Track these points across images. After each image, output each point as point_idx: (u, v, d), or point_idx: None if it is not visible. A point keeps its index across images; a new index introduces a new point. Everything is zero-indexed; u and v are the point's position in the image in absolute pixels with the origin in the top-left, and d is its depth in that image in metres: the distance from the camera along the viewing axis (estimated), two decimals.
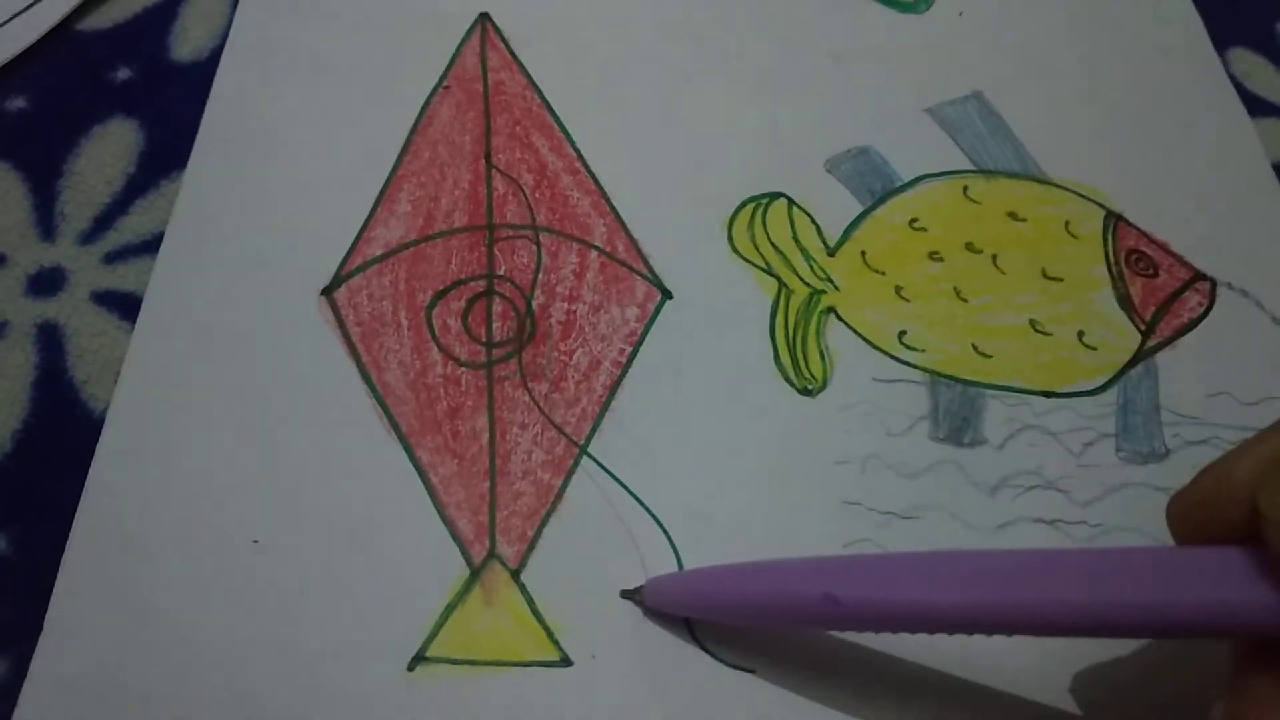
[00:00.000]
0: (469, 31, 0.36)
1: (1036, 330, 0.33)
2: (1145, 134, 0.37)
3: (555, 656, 0.25)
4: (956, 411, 0.31)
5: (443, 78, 0.35)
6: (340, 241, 0.31)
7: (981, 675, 0.27)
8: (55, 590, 0.26)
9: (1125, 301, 0.33)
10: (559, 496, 0.28)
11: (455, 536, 0.27)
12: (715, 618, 0.25)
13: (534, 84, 0.35)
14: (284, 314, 0.30)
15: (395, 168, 0.33)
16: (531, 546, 0.27)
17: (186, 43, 0.35)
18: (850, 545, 0.28)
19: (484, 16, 0.37)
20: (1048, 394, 0.31)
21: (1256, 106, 0.39)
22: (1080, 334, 0.33)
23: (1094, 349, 0.32)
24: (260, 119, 0.34)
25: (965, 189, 0.35)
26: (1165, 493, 0.30)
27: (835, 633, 0.26)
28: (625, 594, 0.26)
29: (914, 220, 0.34)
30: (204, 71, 0.34)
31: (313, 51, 0.35)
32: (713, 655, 0.26)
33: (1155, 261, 0.34)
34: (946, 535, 0.29)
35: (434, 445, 0.28)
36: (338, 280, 0.30)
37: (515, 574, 0.26)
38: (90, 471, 0.27)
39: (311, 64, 0.35)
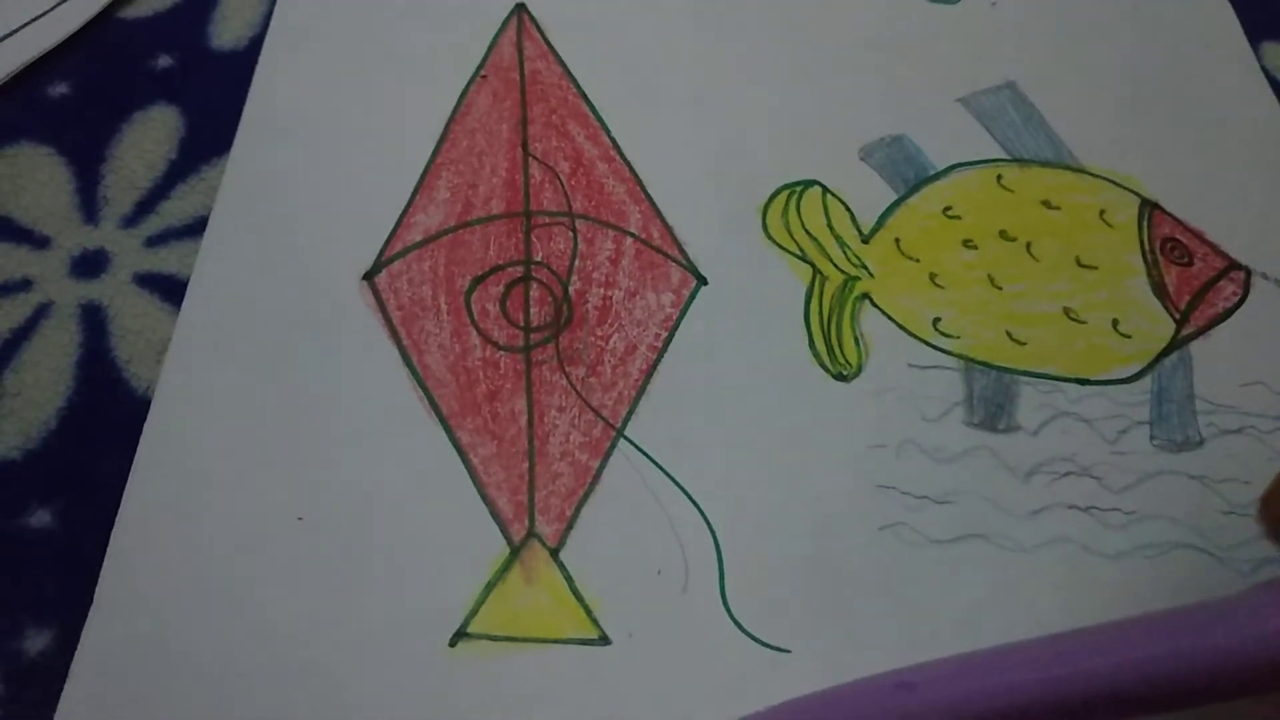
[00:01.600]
0: (505, 21, 0.37)
1: (1070, 318, 0.33)
2: (1179, 124, 0.37)
3: (594, 634, 0.26)
4: (991, 398, 0.31)
5: (480, 67, 0.35)
6: (381, 227, 0.32)
7: None
8: (105, 564, 0.26)
9: (1160, 290, 0.33)
10: (596, 478, 0.28)
11: (495, 515, 0.27)
12: None
13: (570, 74, 0.36)
14: (326, 298, 0.30)
15: (434, 155, 0.33)
16: (570, 526, 0.27)
17: (226, 31, 0.36)
18: (885, 528, 0.28)
19: (520, 7, 0.37)
20: (1082, 381, 0.32)
21: None
22: (1115, 322, 0.33)
23: (1128, 337, 0.32)
24: (301, 106, 0.34)
25: (999, 178, 0.35)
26: (1200, 481, 0.30)
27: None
28: None
29: (948, 208, 0.34)
30: (243, 60, 0.35)
31: (351, 40, 0.36)
32: (749, 635, 0.26)
33: (1190, 250, 0.34)
34: (980, 520, 0.29)
35: (474, 426, 0.28)
36: (379, 265, 0.31)
37: (554, 553, 0.27)
38: (139, 448, 0.28)
39: (350, 53, 0.35)
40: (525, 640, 0.25)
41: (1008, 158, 0.36)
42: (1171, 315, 0.33)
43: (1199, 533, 0.29)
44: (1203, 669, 0.20)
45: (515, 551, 0.27)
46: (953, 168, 0.35)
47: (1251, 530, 0.29)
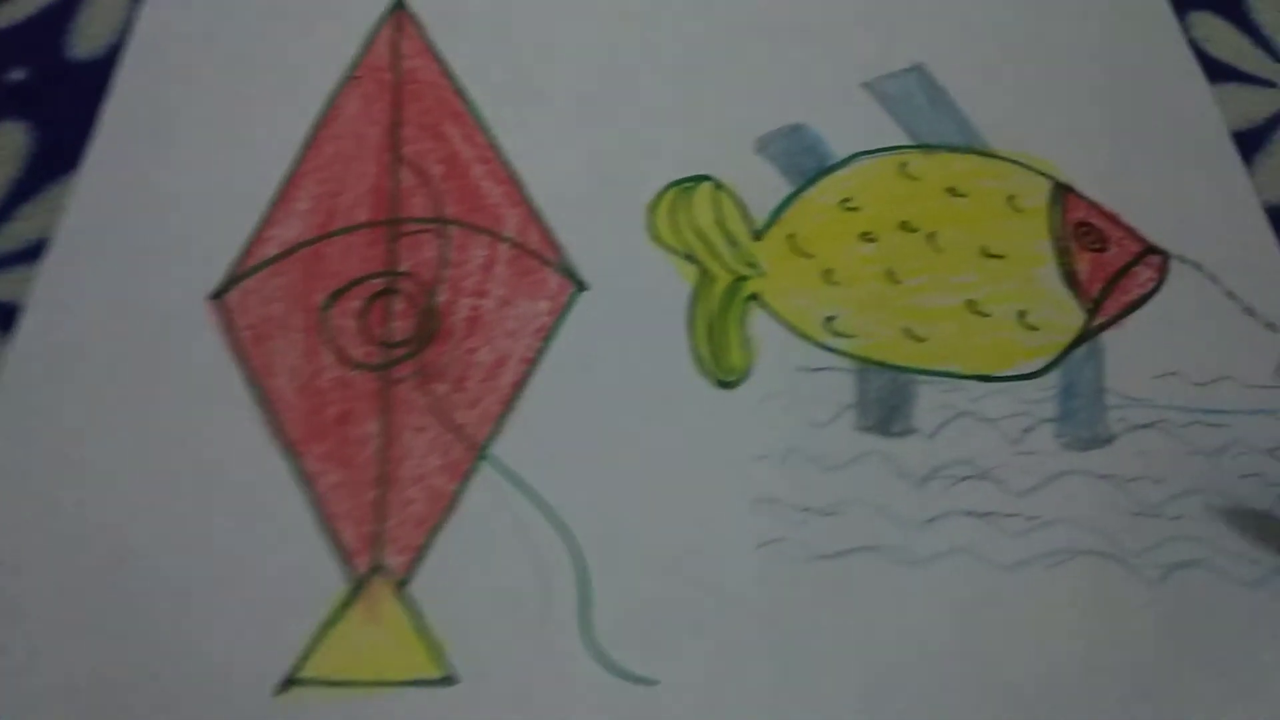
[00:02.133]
0: (382, 20, 0.35)
1: (974, 311, 0.31)
2: (1098, 102, 0.35)
3: (438, 674, 0.24)
4: (885, 399, 0.29)
5: (352, 68, 0.34)
6: (236, 242, 0.30)
7: (909, 680, 0.25)
8: None
9: (1071, 278, 0.32)
10: (453, 503, 0.26)
11: (338, 548, 0.25)
12: None
13: (449, 72, 0.34)
14: (171, 320, 0.29)
15: (297, 164, 0.31)
16: (420, 556, 0.26)
17: (85, 40, 0.34)
18: (764, 545, 0.27)
19: (399, 3, 0.35)
20: (984, 378, 0.30)
21: (1218, 72, 0.37)
22: (1021, 314, 0.31)
23: (1035, 329, 0.31)
24: (160, 117, 0.32)
25: (903, 165, 0.33)
26: (1108, 481, 0.28)
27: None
28: None
29: (846, 200, 0.33)
30: (102, 70, 0.33)
31: (218, 45, 0.34)
32: (613, 666, 0.25)
33: (1104, 234, 0.32)
34: (869, 531, 0.27)
35: (320, 453, 0.27)
36: (229, 283, 0.29)
37: (401, 586, 0.25)
38: None
39: (216, 58, 0.34)
40: (361, 684, 0.24)
41: (913, 144, 0.34)
42: (1082, 305, 0.31)
43: (1105, 536, 0.27)
44: None
45: (357, 587, 0.25)
46: (854, 157, 0.33)
47: (1161, 533, 0.28)
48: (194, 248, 0.30)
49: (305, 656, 0.24)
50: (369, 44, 0.34)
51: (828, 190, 0.33)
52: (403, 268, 0.30)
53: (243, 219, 0.31)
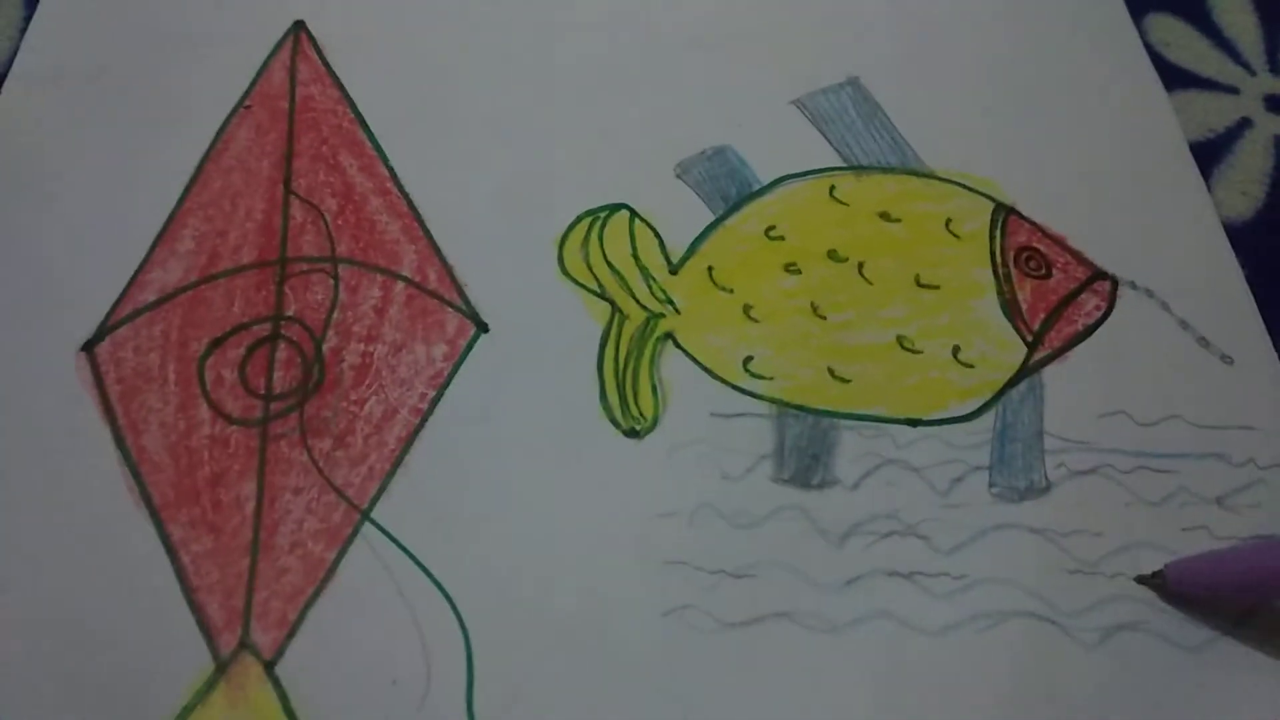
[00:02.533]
0: (279, 43, 0.33)
1: (904, 348, 0.29)
2: (1045, 115, 0.33)
3: None
4: (805, 448, 0.27)
5: (245, 96, 0.32)
6: (112, 289, 0.28)
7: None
8: None
9: (1011, 308, 0.30)
10: (331, 572, 0.25)
11: (202, 624, 0.24)
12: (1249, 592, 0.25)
13: (348, 97, 0.32)
14: (37, 374, 0.27)
15: (180, 201, 0.30)
16: (292, 633, 0.24)
17: None
18: (670, 613, 0.25)
19: (298, 25, 0.33)
20: (913, 422, 0.28)
21: (1176, 78, 0.35)
22: (955, 350, 0.29)
23: (970, 366, 0.29)
24: (37, 155, 0.30)
25: (832, 189, 0.31)
26: (1043, 535, 0.27)
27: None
28: (1141, 579, 0.26)
29: (771, 228, 0.31)
30: None
31: (106, 77, 0.32)
32: None
33: (1049, 259, 0.31)
34: (783, 595, 0.25)
35: (189, 519, 0.25)
36: (101, 333, 0.27)
37: (269, 666, 0.23)
38: None
39: (102, 91, 0.32)
40: None
41: (844, 166, 0.32)
42: (1023, 337, 0.29)
43: (1039, 597, 0.26)
44: None
45: (221, 668, 0.23)
46: (780, 181, 0.32)
47: (1100, 593, 0.26)
48: (69, 295, 0.28)
49: None
50: (264, 68, 0.32)
51: (751, 218, 0.31)
52: (290, 312, 0.28)
53: (124, 263, 0.29)
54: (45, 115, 0.31)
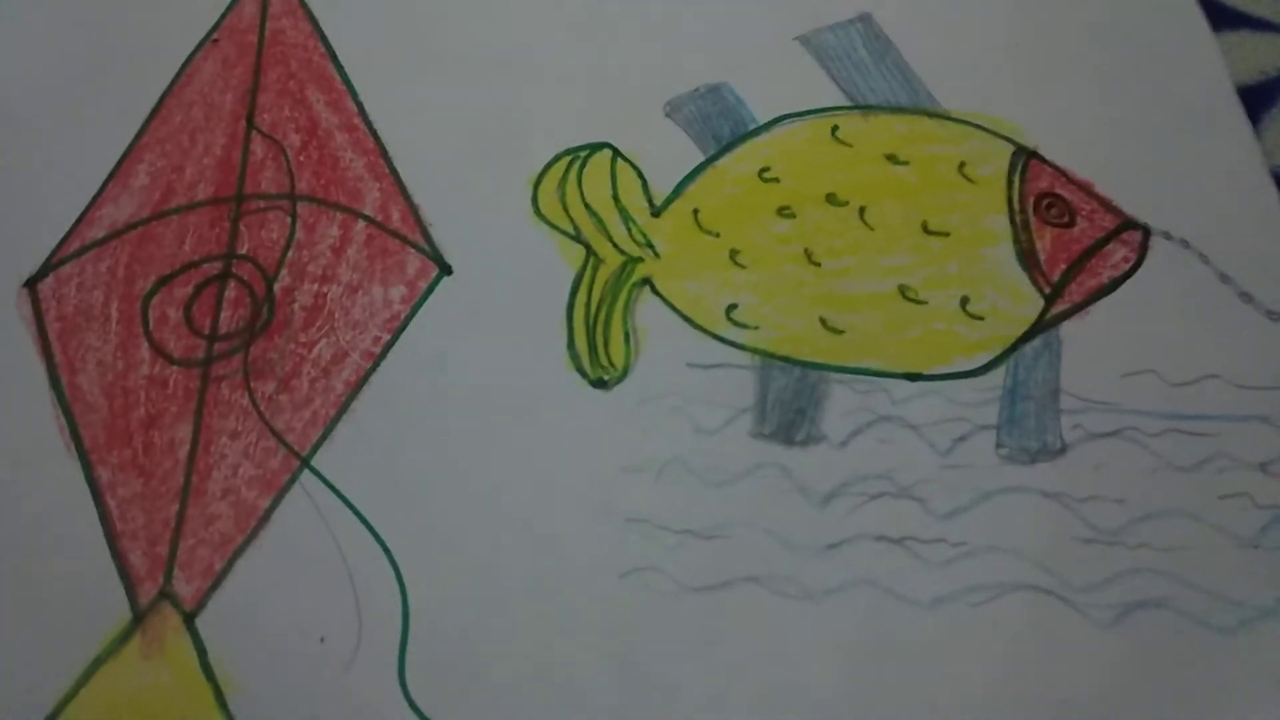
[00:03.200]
0: None
1: (907, 298, 0.27)
2: (1076, 54, 0.30)
3: None
4: (789, 401, 0.25)
5: (213, 30, 0.30)
6: (62, 225, 0.27)
7: None
8: None
9: (1028, 258, 0.27)
10: (265, 520, 0.23)
11: (123, 572, 0.22)
12: None
13: (320, 30, 0.30)
14: None
15: (138, 136, 0.28)
16: (217, 584, 0.22)
17: None
18: (627, 575, 0.23)
19: None
20: (912, 376, 0.25)
21: (1225, 18, 0.32)
22: (964, 301, 0.26)
23: (980, 319, 0.26)
24: None
25: (834, 129, 0.29)
26: (1056, 500, 0.24)
27: None
28: None
29: (765, 169, 0.28)
30: None
31: (67, 11, 0.31)
32: (424, 718, 0.21)
33: (1074, 207, 0.28)
34: (756, 558, 0.23)
35: (119, 461, 0.23)
36: (45, 269, 0.26)
37: (189, 618, 0.22)
38: None
39: (65, 20, 0.31)
40: None
41: (850, 105, 0.30)
42: (1040, 289, 0.27)
43: (1047, 569, 0.23)
44: None
45: (139, 618, 0.22)
46: (779, 120, 0.29)
47: (1118, 565, 0.23)
48: (16, 231, 0.27)
49: (71, 694, 0.21)
50: (235, 3, 0.31)
51: (745, 159, 0.29)
52: (243, 250, 0.27)
53: (76, 199, 0.28)
54: (7, 50, 0.30)
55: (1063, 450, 0.25)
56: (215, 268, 0.26)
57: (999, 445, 0.25)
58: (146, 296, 0.26)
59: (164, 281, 0.26)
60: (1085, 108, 0.30)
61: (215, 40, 0.30)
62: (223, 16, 0.31)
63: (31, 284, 0.26)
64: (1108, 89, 0.30)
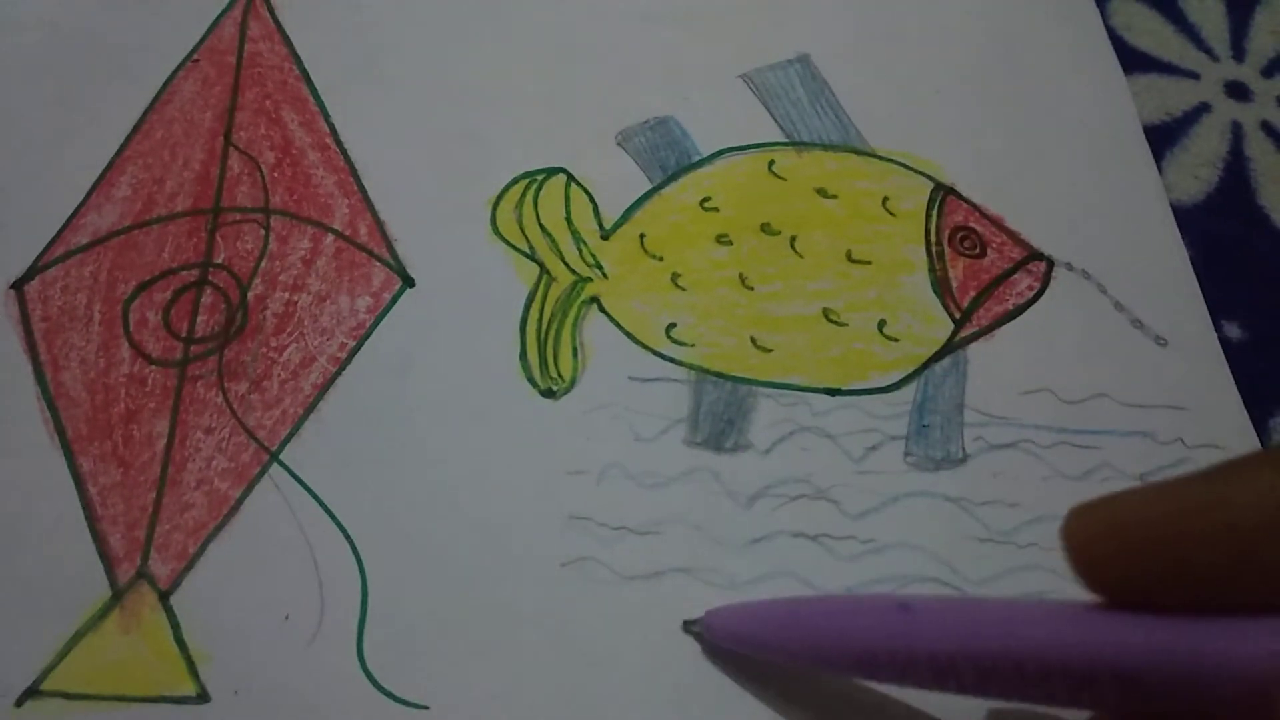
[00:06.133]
0: (234, 0, 0.34)
1: (830, 320, 0.30)
2: (997, 97, 0.34)
3: (192, 691, 0.23)
4: (720, 413, 0.28)
5: (194, 50, 0.33)
6: (47, 231, 0.29)
7: None
8: None
9: (942, 285, 0.30)
10: (235, 509, 0.26)
11: (103, 554, 0.25)
12: (778, 653, 0.23)
13: (295, 54, 0.33)
14: None
15: (121, 149, 0.31)
16: (190, 565, 0.25)
17: None
18: (569, 564, 0.26)
19: None
20: (832, 392, 0.29)
21: (1136, 62, 0.36)
22: (881, 323, 0.30)
23: (894, 340, 0.30)
24: None
25: (771, 163, 0.32)
26: (955, 504, 0.27)
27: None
28: (686, 626, 0.25)
29: (706, 199, 0.32)
30: None
31: (55, 26, 0.33)
32: (380, 688, 0.24)
33: (984, 239, 0.31)
34: (686, 552, 0.26)
35: (100, 452, 0.26)
36: (32, 272, 0.29)
37: (165, 596, 0.24)
38: None
39: (51, 39, 0.33)
40: (108, 699, 0.23)
41: (786, 141, 0.33)
42: (951, 314, 0.30)
43: (947, 564, 0.26)
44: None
45: (117, 595, 0.24)
46: (720, 153, 0.33)
47: (1010, 561, 0.26)
48: (4, 235, 0.29)
49: (51, 667, 0.23)
50: (215, 24, 0.33)
51: (688, 188, 0.32)
52: (219, 259, 0.29)
53: (60, 207, 0.30)
54: None
55: (964, 459, 0.28)
56: (193, 275, 0.29)
57: (907, 454, 0.28)
58: (127, 300, 0.28)
59: (144, 287, 0.29)
60: (1002, 148, 0.33)
61: (196, 60, 0.33)
62: (203, 38, 0.33)
63: (18, 286, 0.28)
64: (1023, 130, 0.34)
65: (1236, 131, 0.35)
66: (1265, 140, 0.34)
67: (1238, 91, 0.36)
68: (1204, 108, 0.35)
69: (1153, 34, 0.37)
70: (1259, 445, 0.29)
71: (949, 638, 0.20)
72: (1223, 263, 0.32)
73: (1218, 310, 0.31)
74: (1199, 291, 0.31)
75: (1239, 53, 0.36)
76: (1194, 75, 0.36)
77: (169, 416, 0.27)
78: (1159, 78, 0.36)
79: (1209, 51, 0.36)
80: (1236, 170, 0.34)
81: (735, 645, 0.24)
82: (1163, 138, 0.34)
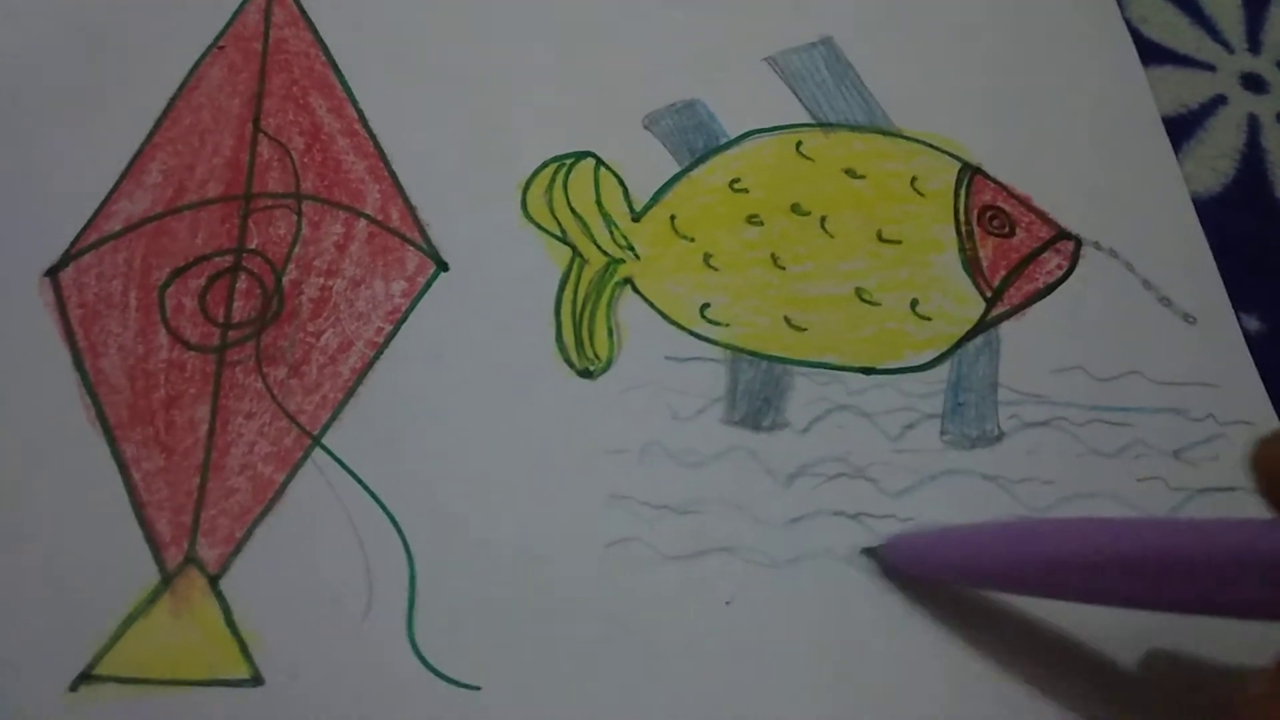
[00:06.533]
0: None
1: (863, 299, 0.30)
2: (1018, 81, 0.34)
3: (245, 674, 0.23)
4: (757, 391, 0.28)
5: (219, 37, 0.33)
6: (79, 218, 0.29)
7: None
8: None
9: (972, 265, 0.31)
10: (280, 493, 0.26)
11: (150, 539, 0.25)
12: (968, 573, 0.25)
13: (320, 40, 0.33)
14: (2, 299, 0.28)
15: (150, 136, 0.31)
16: (238, 549, 0.25)
17: None
18: (612, 545, 0.26)
19: None
20: (866, 370, 0.29)
21: (1152, 54, 0.36)
22: (913, 303, 0.30)
23: (927, 319, 0.30)
24: (12, 86, 0.32)
25: (799, 145, 0.33)
26: (994, 482, 0.28)
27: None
28: (865, 551, 0.26)
29: (735, 181, 0.32)
30: None
31: (82, 14, 0.33)
32: (432, 669, 0.24)
33: (1013, 219, 0.32)
34: (727, 531, 0.26)
35: (142, 438, 0.26)
36: (66, 259, 0.29)
37: (214, 580, 0.24)
38: None
39: (75, 29, 0.33)
40: (162, 682, 0.23)
41: (813, 123, 0.33)
42: (982, 293, 0.30)
43: None
44: None
45: (167, 580, 0.24)
46: (747, 135, 0.33)
47: None
48: (36, 223, 0.29)
49: (104, 651, 0.23)
50: (239, 11, 0.33)
51: (716, 170, 0.32)
52: (252, 245, 0.29)
53: (92, 194, 0.30)
54: (23, 51, 0.33)
55: (1000, 437, 0.28)
56: (227, 261, 0.29)
57: (943, 433, 0.28)
58: (163, 286, 0.28)
59: (179, 273, 0.29)
60: (1025, 130, 0.33)
61: (221, 47, 0.33)
62: (227, 25, 0.33)
63: (53, 274, 0.28)
64: (1048, 115, 0.34)
65: (1253, 124, 0.35)
66: None
67: (1254, 84, 0.36)
68: (1220, 100, 0.35)
69: (1169, 26, 0.37)
70: None
71: (1147, 545, 0.21)
72: (1240, 255, 0.32)
73: (1235, 303, 0.31)
74: (1218, 274, 0.31)
75: (1255, 45, 0.37)
76: (1210, 67, 0.36)
77: (209, 402, 0.27)
78: (1175, 69, 0.36)
79: (1225, 44, 0.37)
80: (1253, 162, 0.34)
81: (919, 569, 0.25)
82: (1179, 130, 0.34)
